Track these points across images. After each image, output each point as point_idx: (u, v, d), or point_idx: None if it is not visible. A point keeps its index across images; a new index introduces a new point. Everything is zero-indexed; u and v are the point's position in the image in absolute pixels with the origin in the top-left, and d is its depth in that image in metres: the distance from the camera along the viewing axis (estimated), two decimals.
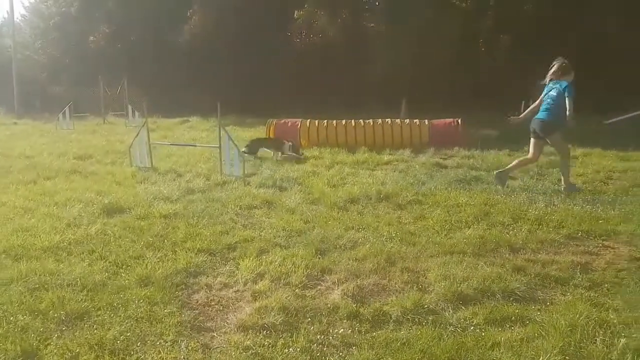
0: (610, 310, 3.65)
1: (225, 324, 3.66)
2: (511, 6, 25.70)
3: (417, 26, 21.35)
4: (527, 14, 24.71)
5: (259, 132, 14.18)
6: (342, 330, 3.50)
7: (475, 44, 26.12)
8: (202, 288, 4.20)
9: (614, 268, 4.49)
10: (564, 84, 7.09)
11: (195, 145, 11.38)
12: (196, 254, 4.87)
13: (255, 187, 7.62)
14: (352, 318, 3.66)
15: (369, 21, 26.43)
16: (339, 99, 21.46)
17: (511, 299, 3.89)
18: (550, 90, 7.31)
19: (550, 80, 7.34)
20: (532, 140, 7.54)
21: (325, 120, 12.31)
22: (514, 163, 7.81)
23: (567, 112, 6.87)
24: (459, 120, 11.73)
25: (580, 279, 4.22)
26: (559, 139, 7.39)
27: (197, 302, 3.98)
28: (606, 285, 4.12)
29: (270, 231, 5.57)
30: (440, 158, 10.36)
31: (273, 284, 4.22)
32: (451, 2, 24.50)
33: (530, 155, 7.66)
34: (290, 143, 10.78)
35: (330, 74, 23.77)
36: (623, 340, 3.22)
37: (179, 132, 16.22)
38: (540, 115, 7.37)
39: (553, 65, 7.32)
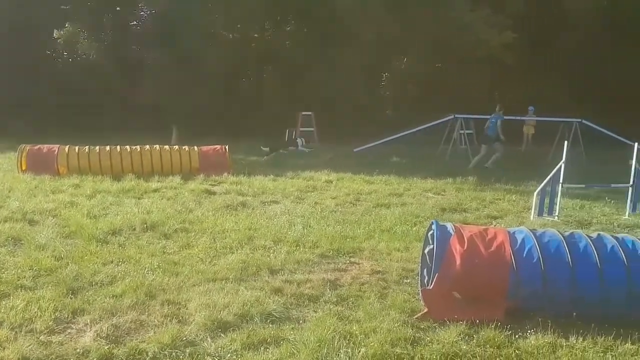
0: (353, 323, 4.06)
1: None
2: (276, 40, 27.46)
3: (184, 54, 21.42)
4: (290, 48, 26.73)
5: (8, 159, 12.69)
6: None
7: (242, 74, 27.22)
8: None
9: (358, 282, 5.01)
10: None
11: None
12: None
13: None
14: None
15: (136, 45, 25.67)
16: (107, 123, 20.24)
17: (268, 320, 4.07)
18: None
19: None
20: None
21: (87, 147, 11.48)
22: None
23: None
24: (226, 147, 12.00)
25: (330, 295, 4.61)
26: None
27: None
28: (351, 298, 4.57)
29: (13, 272, 4.96)
30: (210, 184, 10.43)
31: (13, 332, 3.75)
32: (218, 32, 25.16)
33: None
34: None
35: (97, 97, 22.36)
36: (363, 350, 3.60)
37: None
38: None
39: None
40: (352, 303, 4.48)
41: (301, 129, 21.01)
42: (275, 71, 28.87)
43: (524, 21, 21.95)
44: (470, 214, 8.35)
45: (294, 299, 4.53)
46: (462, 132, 16.76)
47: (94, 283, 4.77)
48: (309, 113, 20.95)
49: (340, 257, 5.81)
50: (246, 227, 6.82)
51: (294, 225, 6.99)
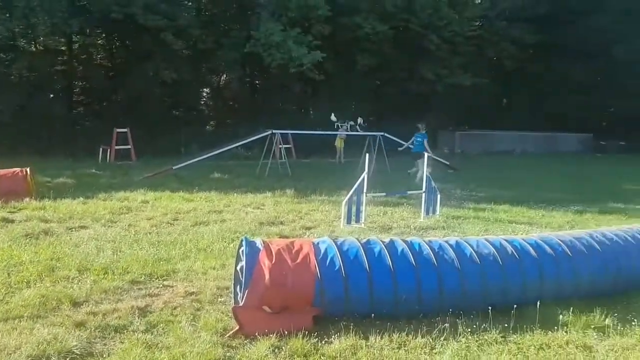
0: (162, 350, 3.95)
1: None
2: (86, 53, 25.93)
3: None
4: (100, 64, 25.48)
5: None
6: None
7: (50, 88, 25.22)
8: None
9: (170, 306, 4.88)
10: None
11: None
12: None
13: None
14: None
15: None
16: None
17: (68, 359, 3.78)
18: None
19: None
20: None
21: None
22: None
23: None
24: (27, 170, 10.89)
25: (138, 324, 4.42)
26: None
27: None
28: (161, 324, 4.44)
29: None
30: (8, 212, 9.36)
31: None
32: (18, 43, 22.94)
33: None
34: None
35: None
36: None
37: None
38: None
39: None
40: (163, 329, 4.35)
41: (116, 147, 19.93)
42: (86, 85, 27.15)
43: (330, 42, 23.58)
44: (286, 226, 8.64)
45: (99, 331, 4.26)
46: (280, 146, 17.29)
47: None
48: (125, 129, 19.95)
49: (153, 281, 5.61)
50: (47, 257, 6.25)
51: (103, 251, 6.58)
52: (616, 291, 5.39)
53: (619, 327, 4.61)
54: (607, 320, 4.70)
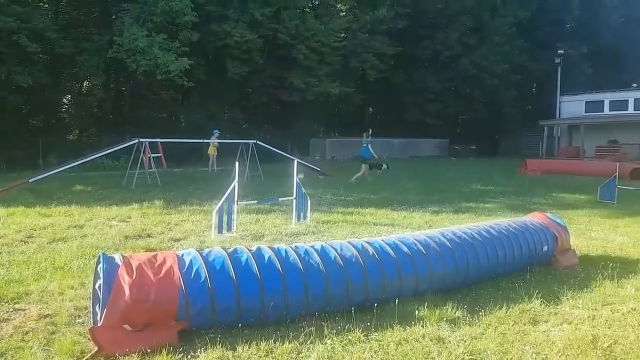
0: None
1: None
2: None
3: None
4: None
5: None
6: None
7: None
8: None
9: (21, 331, 4.51)
10: None
11: None
12: None
13: None
14: None
15: None
16: None
17: None
18: None
19: None
20: None
21: None
22: None
23: None
24: None
25: None
26: None
27: None
28: (10, 352, 4.09)
29: None
30: None
31: None
32: None
33: None
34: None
35: None
36: None
37: None
38: None
39: None
40: (12, 357, 4.01)
41: None
42: None
43: (199, 48, 23.24)
44: (154, 238, 8.35)
45: None
46: (149, 155, 16.65)
47: None
48: None
49: (2, 305, 5.14)
50: None
51: None
52: (465, 285, 5.89)
53: (468, 318, 5.03)
54: (457, 312, 5.11)
